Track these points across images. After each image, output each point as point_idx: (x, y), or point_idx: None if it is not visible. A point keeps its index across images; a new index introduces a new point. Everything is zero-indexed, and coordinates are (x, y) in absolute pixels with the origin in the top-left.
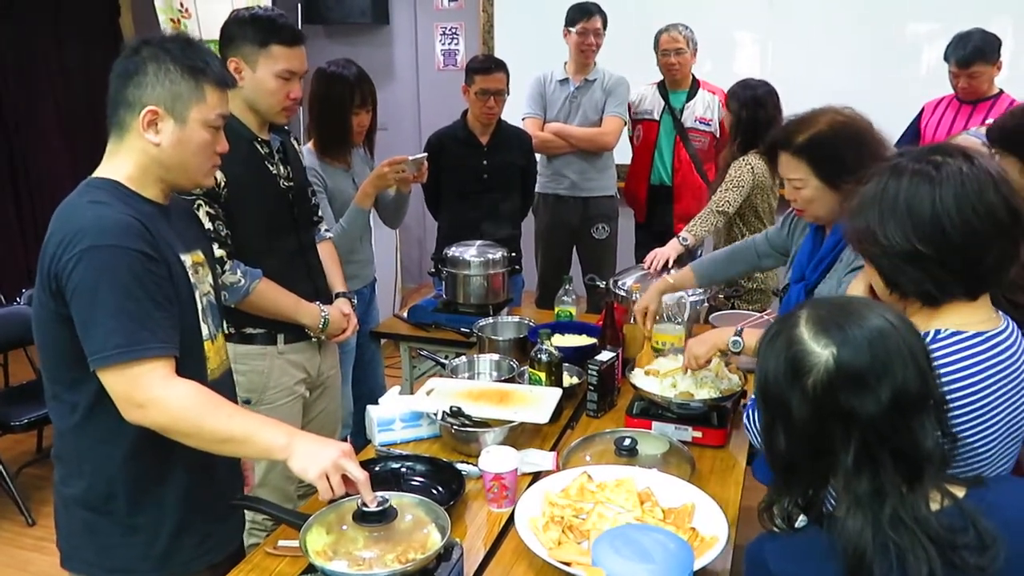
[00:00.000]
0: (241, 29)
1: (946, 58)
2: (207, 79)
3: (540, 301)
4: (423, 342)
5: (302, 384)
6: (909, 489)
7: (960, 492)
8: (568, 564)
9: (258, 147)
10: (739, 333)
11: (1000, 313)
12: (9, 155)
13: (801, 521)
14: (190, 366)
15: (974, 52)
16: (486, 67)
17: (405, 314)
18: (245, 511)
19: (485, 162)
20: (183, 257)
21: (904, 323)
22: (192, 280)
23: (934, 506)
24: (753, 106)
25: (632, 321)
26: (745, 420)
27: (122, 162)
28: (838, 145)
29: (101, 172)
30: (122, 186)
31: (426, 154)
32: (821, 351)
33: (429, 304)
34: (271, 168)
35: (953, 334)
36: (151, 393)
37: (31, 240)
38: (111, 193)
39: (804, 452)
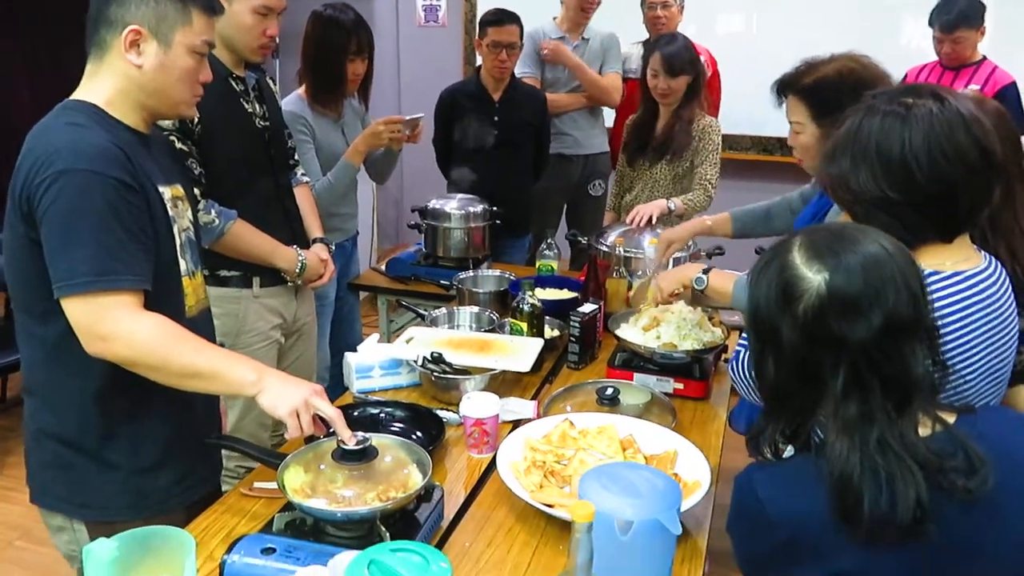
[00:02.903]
0: None
1: (930, 23)
2: (195, 2)
3: (531, 260)
4: (402, 295)
5: (277, 330)
6: (898, 415)
7: (951, 419)
8: (551, 506)
9: (233, 84)
10: (706, 271)
11: (981, 252)
12: None
13: (788, 452)
14: (167, 302)
15: (959, 17)
16: (498, 19)
17: (383, 267)
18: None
19: (497, 119)
20: (162, 189)
21: (900, 249)
22: (171, 213)
23: (924, 432)
24: (698, 64)
25: (614, 275)
26: (731, 367)
27: (101, 85)
28: (840, 91)
29: (79, 95)
30: (101, 110)
31: (422, 115)
32: (813, 276)
33: (409, 257)
34: (247, 106)
35: (931, 274)
36: (116, 326)
37: None
38: (89, 116)
39: (793, 379)
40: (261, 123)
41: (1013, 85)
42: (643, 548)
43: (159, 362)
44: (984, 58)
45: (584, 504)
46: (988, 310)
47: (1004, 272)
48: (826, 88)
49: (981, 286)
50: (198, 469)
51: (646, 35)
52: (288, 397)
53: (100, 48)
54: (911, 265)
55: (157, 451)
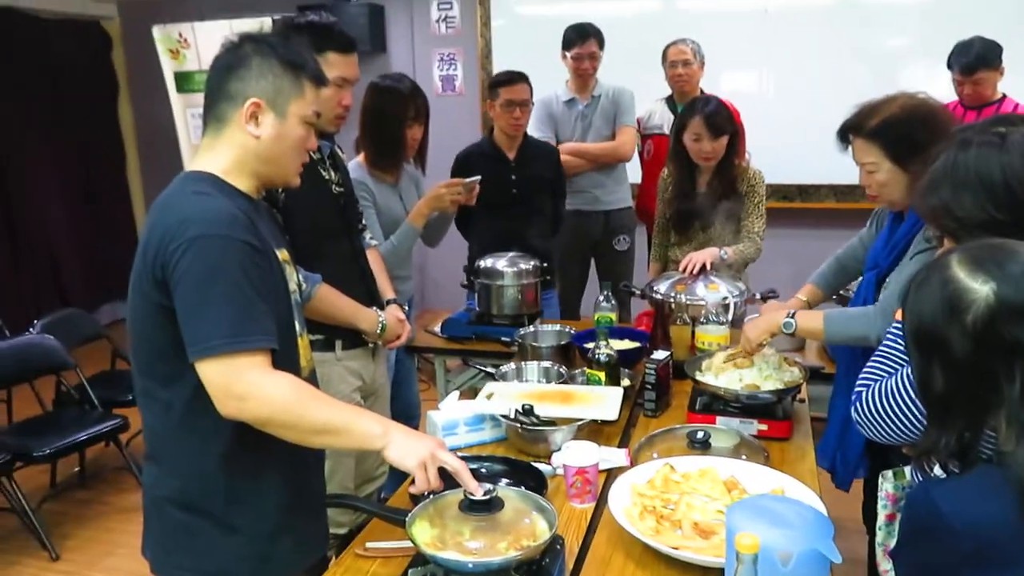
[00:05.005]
0: (297, 35)
1: (949, 66)
2: (306, 74)
3: (563, 315)
4: (462, 355)
5: (358, 392)
6: None
7: None
8: (676, 548)
9: (311, 153)
10: (791, 315)
11: None
12: (3, 187)
13: (937, 471)
14: (285, 361)
15: (977, 60)
16: (509, 79)
17: (437, 329)
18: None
19: (513, 177)
20: (277, 252)
21: None
22: (285, 275)
23: None
24: (735, 121)
25: (676, 323)
26: (855, 408)
27: (219, 156)
28: (910, 126)
29: (197, 166)
30: (220, 179)
31: (479, 177)
32: (980, 287)
33: (462, 317)
34: (323, 173)
35: None
36: (251, 386)
37: (26, 274)
38: (212, 185)
39: (964, 388)
40: (336, 189)
41: None
42: None
43: (294, 419)
44: (1004, 96)
45: (748, 535)
46: None
47: None
48: (896, 126)
49: None
50: (314, 530)
51: (668, 91)
52: (416, 449)
53: (218, 121)
54: None
55: (279, 514)
